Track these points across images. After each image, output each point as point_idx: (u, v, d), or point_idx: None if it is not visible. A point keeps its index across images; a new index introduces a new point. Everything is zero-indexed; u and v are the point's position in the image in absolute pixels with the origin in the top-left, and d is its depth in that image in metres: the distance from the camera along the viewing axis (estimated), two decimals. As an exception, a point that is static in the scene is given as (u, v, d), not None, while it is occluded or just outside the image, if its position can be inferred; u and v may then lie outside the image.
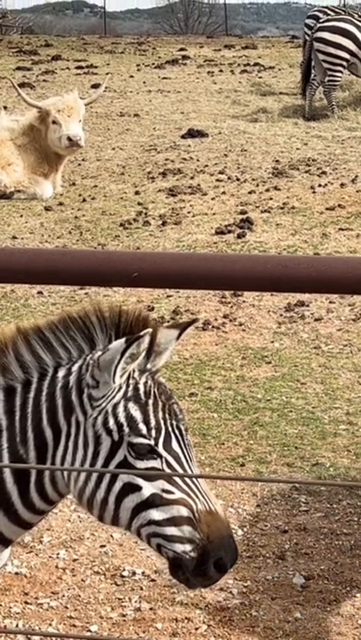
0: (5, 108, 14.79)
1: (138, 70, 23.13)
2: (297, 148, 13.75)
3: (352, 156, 13.09)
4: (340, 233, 9.86)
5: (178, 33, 39.93)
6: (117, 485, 2.83)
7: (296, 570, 4.75)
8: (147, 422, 2.82)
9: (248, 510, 5.22)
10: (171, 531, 2.80)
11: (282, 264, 1.91)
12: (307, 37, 17.90)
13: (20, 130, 11.92)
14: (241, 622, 4.39)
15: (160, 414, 2.84)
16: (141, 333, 2.79)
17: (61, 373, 2.91)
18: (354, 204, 10.78)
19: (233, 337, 7.55)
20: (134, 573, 4.72)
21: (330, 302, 8.08)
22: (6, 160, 11.72)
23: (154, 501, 2.81)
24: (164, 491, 2.81)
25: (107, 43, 30.36)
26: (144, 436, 2.81)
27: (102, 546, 4.94)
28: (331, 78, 16.59)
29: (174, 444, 2.84)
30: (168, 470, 2.81)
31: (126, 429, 2.82)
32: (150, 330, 2.83)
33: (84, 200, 11.42)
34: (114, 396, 2.85)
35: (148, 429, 2.82)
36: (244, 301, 8.15)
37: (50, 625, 4.38)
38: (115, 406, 2.84)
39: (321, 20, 17.70)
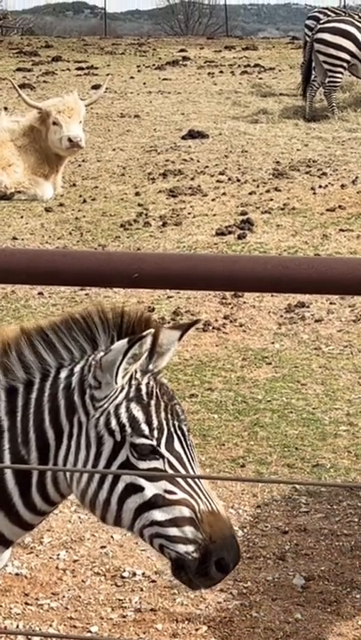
0: (6, 108, 14.80)
1: (138, 71, 23.14)
2: (297, 149, 13.76)
3: (352, 157, 13.09)
4: (340, 234, 9.86)
5: (178, 34, 39.94)
6: (120, 486, 2.83)
7: (296, 571, 4.75)
8: (149, 423, 2.83)
9: (248, 511, 5.23)
10: (173, 531, 2.81)
11: (282, 265, 1.91)
12: (307, 38, 17.90)
13: (21, 131, 11.92)
14: (241, 623, 4.39)
15: (162, 415, 2.84)
16: (143, 334, 2.79)
17: (64, 374, 2.91)
18: (354, 205, 10.78)
19: (233, 338, 7.55)
20: (135, 574, 4.72)
21: (330, 303, 8.09)
22: (7, 161, 11.72)
23: (156, 502, 2.81)
24: (166, 491, 2.81)
25: (107, 44, 30.37)
26: (146, 437, 2.82)
27: (103, 547, 4.94)
28: (331, 79, 16.59)
29: (176, 445, 2.84)
30: (170, 471, 2.81)
31: (129, 430, 2.82)
32: (152, 330, 2.83)
33: (85, 201, 11.42)
34: (116, 397, 2.85)
35: (151, 430, 2.82)
36: (244, 302, 8.15)
37: (50, 626, 4.38)
38: (117, 407, 2.84)
39: (321, 22, 17.70)
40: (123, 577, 4.70)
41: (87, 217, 10.76)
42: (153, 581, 4.66)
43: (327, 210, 10.62)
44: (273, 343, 7.45)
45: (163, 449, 2.82)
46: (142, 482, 2.81)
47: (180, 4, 45.64)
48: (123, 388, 2.86)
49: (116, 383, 2.84)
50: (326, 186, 11.60)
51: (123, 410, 2.84)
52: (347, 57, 16.68)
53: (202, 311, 7.98)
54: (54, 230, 10.33)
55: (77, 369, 2.90)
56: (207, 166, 12.82)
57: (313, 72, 16.93)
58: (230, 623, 4.39)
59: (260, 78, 21.32)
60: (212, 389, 6.67)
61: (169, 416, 2.85)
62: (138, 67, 23.91)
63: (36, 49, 27.71)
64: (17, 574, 4.72)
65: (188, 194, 11.41)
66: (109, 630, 4.35)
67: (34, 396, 2.92)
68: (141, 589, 4.62)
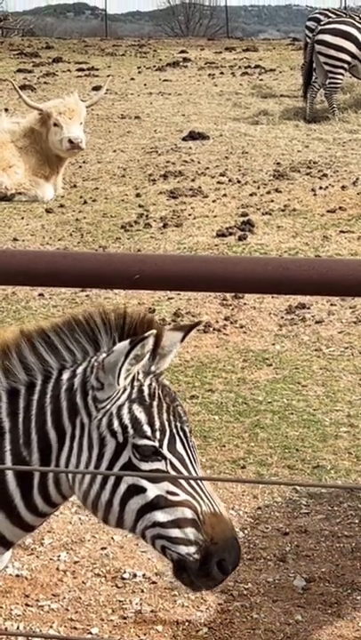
0: (6, 110, 14.80)
1: (139, 72, 23.14)
2: (298, 151, 13.76)
3: (353, 159, 13.09)
4: (341, 235, 9.86)
5: (179, 35, 39.92)
6: (122, 487, 2.83)
7: (297, 572, 4.75)
8: (151, 424, 2.83)
9: (249, 512, 5.22)
10: (175, 533, 2.81)
11: (283, 266, 1.91)
12: (308, 40, 17.90)
13: (21, 132, 11.92)
14: (242, 625, 4.39)
15: (164, 416, 2.84)
16: (145, 335, 2.79)
17: (66, 376, 2.91)
18: (355, 207, 10.78)
19: (234, 339, 7.55)
20: (135, 575, 4.72)
21: (331, 305, 8.08)
22: (7, 162, 11.73)
23: (158, 503, 2.81)
24: (168, 492, 2.81)
25: (108, 45, 30.38)
26: (149, 438, 2.82)
27: (103, 548, 4.94)
28: (332, 81, 16.60)
29: (179, 446, 2.84)
30: (172, 472, 2.82)
31: (131, 431, 2.82)
32: (154, 331, 2.83)
33: (85, 202, 11.42)
34: (118, 398, 2.85)
35: (153, 431, 2.82)
36: (245, 304, 8.15)
37: (51, 627, 4.38)
38: (119, 408, 2.85)
39: (322, 23, 17.70)
40: (123, 578, 4.70)
41: (88, 218, 10.76)
42: (153, 583, 4.66)
43: (328, 211, 10.63)
44: (274, 344, 7.45)
45: (165, 450, 2.82)
46: (145, 483, 2.81)
47: (181, 6, 45.63)
48: (125, 390, 2.86)
49: (119, 384, 2.84)
50: (327, 187, 11.60)
51: (125, 411, 2.84)
52: (347, 58, 16.68)
53: (202, 312, 7.98)
54: (55, 231, 10.34)
55: (80, 370, 2.90)
56: (208, 167, 12.82)
57: (314, 73, 16.92)
58: (231, 625, 4.39)
59: (261, 79, 21.32)
60: (213, 391, 6.67)
61: (171, 417, 2.85)
62: (138, 68, 23.91)
63: (37, 50, 27.71)
64: (17, 575, 4.72)
65: (188, 195, 11.41)
66: (110, 632, 4.35)
67: (36, 397, 2.92)
68: (142, 591, 4.62)
